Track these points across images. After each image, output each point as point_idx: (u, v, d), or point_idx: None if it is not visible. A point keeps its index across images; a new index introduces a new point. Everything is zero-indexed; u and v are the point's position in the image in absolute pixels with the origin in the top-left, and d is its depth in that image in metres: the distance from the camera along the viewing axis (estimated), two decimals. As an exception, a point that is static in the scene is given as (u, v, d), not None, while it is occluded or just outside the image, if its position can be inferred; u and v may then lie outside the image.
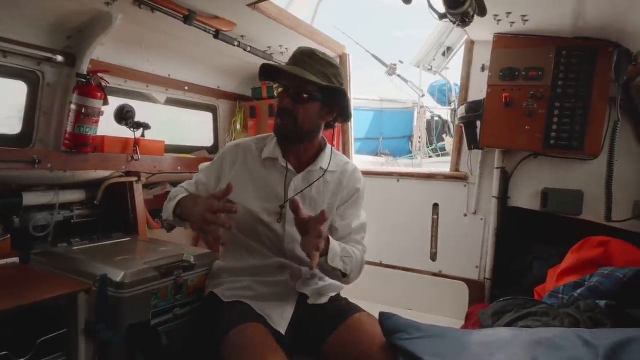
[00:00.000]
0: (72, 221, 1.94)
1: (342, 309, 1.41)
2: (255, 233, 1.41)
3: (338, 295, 1.51)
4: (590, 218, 1.97)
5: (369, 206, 2.58)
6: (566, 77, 1.89)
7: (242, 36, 2.13)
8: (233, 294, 1.38)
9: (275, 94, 1.38)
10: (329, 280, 1.49)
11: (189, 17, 1.77)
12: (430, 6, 1.51)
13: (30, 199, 1.77)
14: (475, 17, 1.51)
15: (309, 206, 1.42)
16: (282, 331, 1.32)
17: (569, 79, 1.89)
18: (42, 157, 1.65)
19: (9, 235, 1.57)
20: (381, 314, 1.28)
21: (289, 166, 1.42)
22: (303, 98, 1.33)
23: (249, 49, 2.19)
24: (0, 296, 1.21)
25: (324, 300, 1.45)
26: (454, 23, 1.52)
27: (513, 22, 1.87)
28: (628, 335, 1.09)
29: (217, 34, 1.95)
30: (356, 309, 1.42)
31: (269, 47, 2.31)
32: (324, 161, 1.46)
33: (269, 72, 1.39)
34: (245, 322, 1.24)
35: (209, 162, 1.56)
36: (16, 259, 1.54)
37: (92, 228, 1.99)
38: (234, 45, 2.10)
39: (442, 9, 1.50)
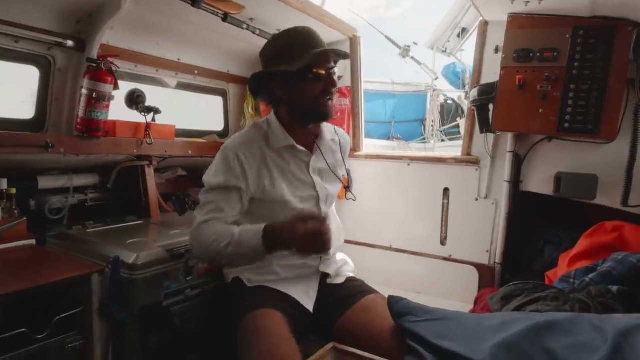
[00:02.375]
0: (86, 204, 1.98)
1: (357, 289, 1.46)
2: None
3: (353, 276, 1.55)
4: (605, 203, 1.93)
5: (380, 190, 2.60)
6: (582, 58, 1.83)
7: (251, 19, 2.11)
8: (257, 279, 1.41)
9: (317, 76, 1.33)
10: (345, 261, 1.57)
11: (196, 0, 1.76)
12: None
13: (45, 182, 1.80)
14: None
15: (326, 179, 1.49)
16: (310, 308, 1.38)
17: (586, 59, 1.83)
18: (55, 141, 1.67)
19: (25, 218, 1.61)
20: (390, 297, 1.29)
21: (303, 149, 1.44)
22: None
23: (258, 31, 2.17)
24: (17, 276, 1.25)
25: (341, 280, 1.50)
26: None
27: (528, 2, 1.81)
28: (639, 321, 1.08)
29: (225, 17, 1.94)
30: (371, 290, 1.47)
31: (278, 30, 2.25)
32: (325, 132, 1.50)
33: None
34: (261, 308, 1.27)
35: (216, 173, 1.36)
36: (32, 241, 1.58)
37: (105, 211, 2.02)
38: (242, 29, 2.09)
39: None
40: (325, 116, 1.41)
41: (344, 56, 1.43)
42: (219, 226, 1.29)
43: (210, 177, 1.36)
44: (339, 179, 1.56)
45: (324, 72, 1.34)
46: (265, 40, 2.23)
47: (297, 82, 1.35)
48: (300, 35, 1.37)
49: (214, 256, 1.29)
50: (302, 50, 1.32)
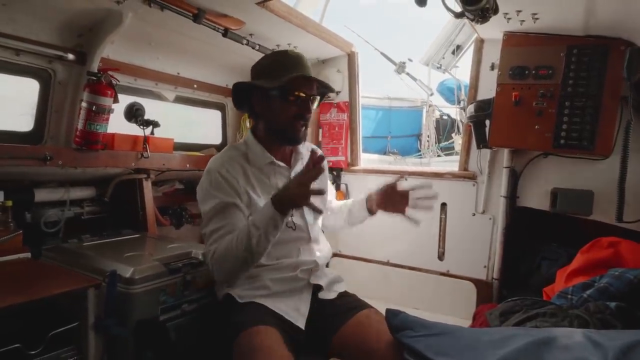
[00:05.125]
0: (83, 217, 1.96)
1: (351, 305, 1.45)
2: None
3: (346, 291, 1.53)
4: (600, 219, 1.94)
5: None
6: (577, 76, 1.87)
7: (250, 34, 2.13)
8: (248, 294, 1.39)
9: (296, 98, 1.39)
10: (336, 276, 1.56)
11: (198, 16, 1.78)
12: (445, 6, 1.48)
13: (41, 195, 1.79)
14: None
15: None
16: (302, 326, 1.36)
17: (580, 77, 1.86)
18: (54, 153, 1.67)
19: (20, 231, 1.59)
20: (388, 311, 1.29)
21: (283, 164, 1.49)
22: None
23: (257, 47, 2.20)
24: (12, 290, 1.23)
25: (333, 295, 1.49)
26: (473, 20, 1.49)
27: (523, 20, 1.85)
28: (638, 337, 1.08)
29: (225, 32, 1.96)
30: (365, 305, 1.46)
31: (277, 45, 2.31)
32: (301, 147, 1.54)
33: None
34: (257, 324, 1.26)
35: (208, 198, 1.39)
36: (28, 254, 1.56)
37: (101, 224, 2.01)
38: (242, 44, 2.11)
39: (457, 7, 1.47)
40: (294, 140, 1.46)
41: (329, 89, 1.50)
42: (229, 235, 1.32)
43: (204, 204, 1.39)
44: (323, 188, 1.56)
45: (303, 96, 1.39)
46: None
47: (274, 100, 1.40)
48: (290, 58, 1.42)
49: (244, 255, 1.27)
50: (286, 71, 1.37)
